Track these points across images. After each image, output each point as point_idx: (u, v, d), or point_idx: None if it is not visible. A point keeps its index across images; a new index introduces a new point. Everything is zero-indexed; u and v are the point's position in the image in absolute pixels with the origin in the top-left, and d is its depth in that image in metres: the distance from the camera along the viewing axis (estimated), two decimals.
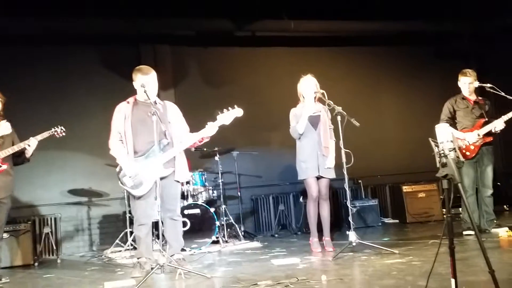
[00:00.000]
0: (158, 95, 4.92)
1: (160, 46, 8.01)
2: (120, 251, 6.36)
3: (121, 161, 4.58)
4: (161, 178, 4.44)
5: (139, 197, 4.57)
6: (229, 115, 4.56)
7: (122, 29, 7.44)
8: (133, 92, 4.80)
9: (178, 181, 4.71)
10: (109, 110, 4.84)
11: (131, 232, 6.12)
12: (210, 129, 4.58)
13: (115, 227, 7.23)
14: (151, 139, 4.47)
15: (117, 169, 4.64)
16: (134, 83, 4.70)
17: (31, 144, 4.91)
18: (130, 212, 6.12)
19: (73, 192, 7.28)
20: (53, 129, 5.04)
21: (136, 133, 4.60)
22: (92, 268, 5.54)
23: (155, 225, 5.56)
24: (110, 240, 7.00)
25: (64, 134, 5.10)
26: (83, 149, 7.25)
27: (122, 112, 4.66)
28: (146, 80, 4.60)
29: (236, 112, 4.58)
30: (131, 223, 5.73)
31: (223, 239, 6.47)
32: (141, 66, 4.76)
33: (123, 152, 4.59)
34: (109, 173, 4.69)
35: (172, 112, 4.80)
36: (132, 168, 4.53)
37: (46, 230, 6.59)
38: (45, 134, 5.00)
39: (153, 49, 7.95)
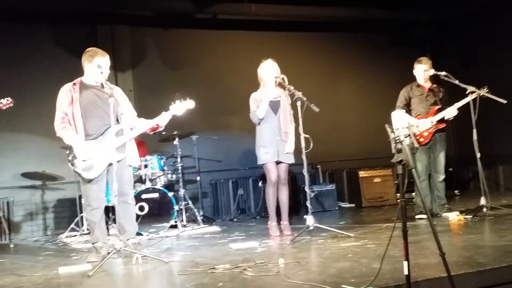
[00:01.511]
0: (116, 77, 4.81)
1: (118, 26, 7.80)
2: (75, 235, 6.24)
3: (73, 143, 4.47)
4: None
5: (90, 181, 4.50)
6: (181, 106, 4.55)
7: (78, 7, 7.18)
8: None
9: (130, 165, 4.67)
10: None
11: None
12: (163, 118, 4.57)
13: (70, 211, 7.08)
14: (104, 122, 4.46)
15: (67, 151, 4.54)
16: (88, 65, 4.55)
17: None
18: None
19: (27, 175, 7.07)
20: None
21: (87, 116, 4.51)
22: (46, 253, 5.42)
23: (112, 209, 5.46)
24: (65, 224, 6.88)
25: (12, 104, 4.88)
26: (37, 131, 7.03)
27: (69, 93, 4.54)
28: (104, 62, 4.53)
29: (188, 104, 4.56)
30: None
31: (182, 223, 6.44)
32: (95, 49, 4.63)
33: (73, 133, 4.48)
34: (64, 156, 4.56)
35: (121, 97, 4.71)
36: (85, 150, 4.44)
37: None
38: None
39: (110, 30, 7.74)
